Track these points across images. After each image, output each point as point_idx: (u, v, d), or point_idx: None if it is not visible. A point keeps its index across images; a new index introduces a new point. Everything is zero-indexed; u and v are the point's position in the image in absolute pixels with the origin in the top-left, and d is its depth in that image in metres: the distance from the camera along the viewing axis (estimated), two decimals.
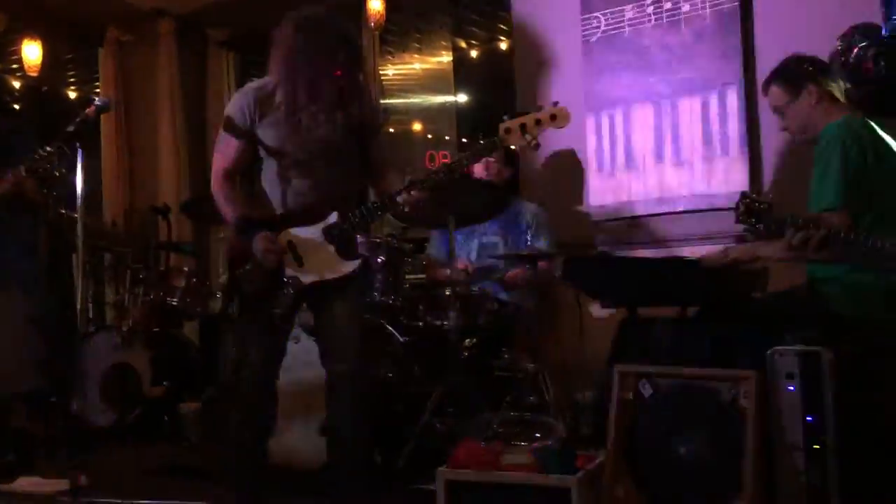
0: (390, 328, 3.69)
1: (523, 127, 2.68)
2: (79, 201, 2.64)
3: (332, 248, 2.79)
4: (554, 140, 4.25)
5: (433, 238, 4.35)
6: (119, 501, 3.06)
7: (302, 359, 3.37)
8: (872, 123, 2.93)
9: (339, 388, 2.88)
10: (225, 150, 2.89)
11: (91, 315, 5.37)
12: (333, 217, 2.78)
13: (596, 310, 3.88)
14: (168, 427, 4.47)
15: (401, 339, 3.68)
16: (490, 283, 3.98)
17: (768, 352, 2.61)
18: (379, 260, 3.68)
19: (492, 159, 4.10)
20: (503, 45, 6.36)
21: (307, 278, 2.80)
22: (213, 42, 6.53)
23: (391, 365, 3.66)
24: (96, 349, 4.73)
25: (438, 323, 3.74)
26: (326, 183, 2.84)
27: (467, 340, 3.71)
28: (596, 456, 2.78)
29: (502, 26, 6.63)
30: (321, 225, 2.79)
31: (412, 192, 2.72)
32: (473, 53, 6.86)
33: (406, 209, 2.74)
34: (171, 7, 6.24)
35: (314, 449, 3.33)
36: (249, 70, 6.92)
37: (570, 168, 4.49)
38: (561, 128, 2.71)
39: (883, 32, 3.23)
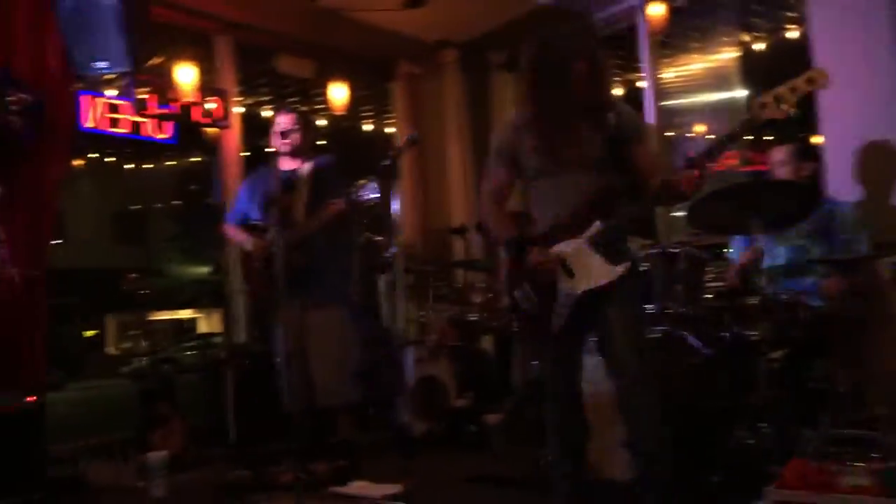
0: (692, 340, 3.59)
1: (778, 98, 2.60)
2: (397, 228, 2.85)
3: (599, 256, 2.83)
4: (867, 129, 3.90)
5: (734, 244, 4.16)
6: None
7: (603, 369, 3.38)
8: None
9: (625, 400, 2.88)
10: (492, 177, 3.08)
11: (397, 331, 5.75)
12: (597, 226, 2.82)
13: None
14: (474, 437, 4.66)
15: (704, 352, 3.56)
16: (802, 290, 3.72)
17: None
18: (678, 269, 3.58)
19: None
20: (792, 34, 5.99)
21: (579, 288, 2.85)
22: (494, 66, 6.78)
23: (695, 378, 3.55)
24: (405, 363, 5.07)
25: (745, 333, 3.56)
26: (588, 196, 2.87)
27: (777, 351, 3.50)
28: None
29: (790, 14, 6.24)
30: (586, 235, 2.84)
31: (685, 172, 2.66)
32: (759, 46, 6.54)
33: (682, 190, 2.67)
34: (455, 37, 6.57)
35: (622, 461, 3.32)
36: None
37: (885, 160, 4.08)
38: (820, 88, 2.61)
39: None
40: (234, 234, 4.49)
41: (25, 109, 4.04)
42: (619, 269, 2.82)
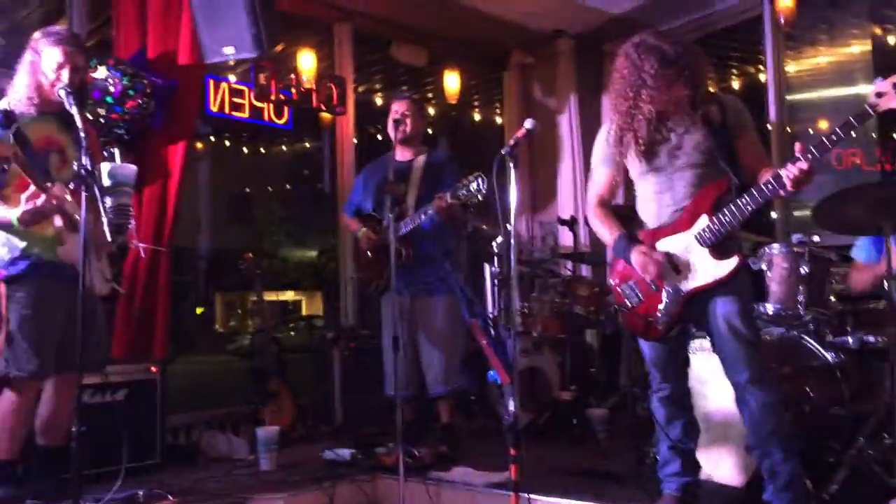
0: (814, 344, 3.45)
1: None
2: (512, 220, 2.85)
3: (706, 253, 2.79)
4: None
5: (859, 245, 3.97)
6: (552, 499, 3.25)
7: (717, 367, 3.29)
8: None
9: (743, 400, 2.83)
10: (597, 180, 3.10)
11: (503, 321, 5.75)
12: (704, 221, 2.79)
13: None
14: (577, 430, 4.62)
15: (827, 357, 3.42)
16: None
17: None
18: (803, 270, 3.44)
19: None
20: None
21: (686, 286, 2.83)
22: (609, 55, 6.67)
23: (815, 384, 3.42)
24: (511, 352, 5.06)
25: (871, 339, 3.40)
26: (694, 192, 2.85)
27: None
28: None
29: None
30: (692, 232, 2.81)
31: (798, 165, 2.56)
32: (893, 39, 6.23)
33: (790, 187, 2.57)
34: (571, 27, 6.50)
35: (736, 465, 3.24)
36: None
37: None
38: None
39: None
40: (348, 223, 4.62)
41: (157, 92, 4.23)
42: (728, 267, 2.78)
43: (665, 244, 2.88)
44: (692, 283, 2.82)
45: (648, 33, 2.87)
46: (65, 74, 3.15)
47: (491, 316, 5.04)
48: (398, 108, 4.38)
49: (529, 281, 5.58)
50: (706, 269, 2.79)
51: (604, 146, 3.06)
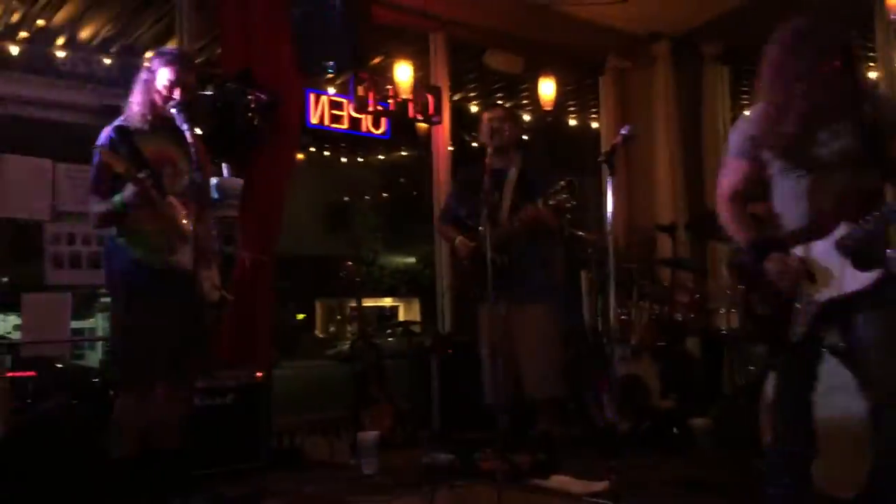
0: None
1: None
2: (608, 227, 2.83)
3: (847, 262, 2.61)
4: None
5: None
6: None
7: (825, 381, 3.18)
8: None
9: (881, 420, 2.65)
10: (731, 173, 2.90)
11: (600, 328, 5.70)
12: (846, 227, 2.61)
13: None
14: (678, 439, 4.53)
15: None
16: None
17: None
18: None
19: None
20: None
21: (822, 296, 2.65)
22: (707, 58, 6.54)
23: None
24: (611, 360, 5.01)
25: None
26: (841, 194, 2.66)
27: None
28: None
29: None
30: (834, 239, 2.64)
31: None
32: None
33: None
34: (668, 29, 6.40)
35: (846, 476, 3.12)
36: (742, 82, 6.80)
37: None
38: None
39: None
40: (444, 231, 4.66)
41: (262, 108, 4.39)
42: (870, 277, 2.60)
43: (803, 250, 2.72)
44: (829, 293, 2.66)
45: (803, 20, 2.71)
46: (176, 92, 3.31)
47: (589, 323, 5.00)
48: (493, 116, 4.40)
49: (627, 288, 5.50)
50: (845, 279, 2.63)
51: (740, 139, 2.88)
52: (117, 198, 3.17)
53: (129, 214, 3.20)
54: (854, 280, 2.62)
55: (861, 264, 2.62)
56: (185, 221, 3.24)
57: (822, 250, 2.67)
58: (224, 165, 3.84)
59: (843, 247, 2.63)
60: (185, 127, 3.13)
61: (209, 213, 2.98)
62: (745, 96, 7.00)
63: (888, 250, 2.78)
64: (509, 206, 4.27)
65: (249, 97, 4.35)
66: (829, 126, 2.67)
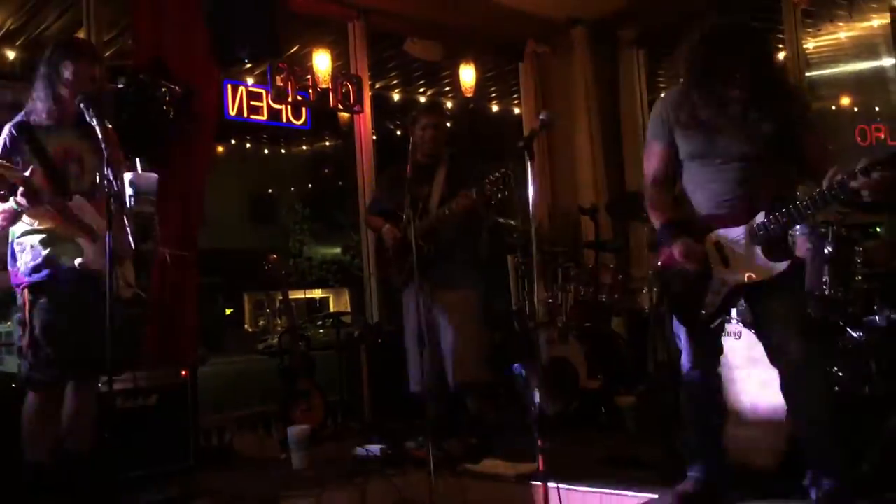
0: (842, 324, 3.43)
1: None
2: (531, 214, 2.86)
3: (759, 250, 2.75)
4: None
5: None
6: (582, 488, 3.29)
7: (744, 354, 3.29)
8: None
9: (788, 383, 2.80)
10: (651, 157, 3.00)
11: (527, 312, 5.75)
12: (760, 217, 2.73)
13: None
14: (605, 418, 4.62)
15: (854, 336, 3.39)
16: None
17: None
18: (828, 251, 3.42)
19: None
20: None
21: (733, 279, 2.80)
22: (623, 42, 6.64)
23: (844, 364, 3.39)
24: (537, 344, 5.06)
25: None
26: (752, 184, 2.78)
27: None
28: None
29: None
30: (748, 226, 2.76)
31: (872, 176, 2.48)
32: None
33: (867, 196, 2.50)
34: (585, 14, 6.46)
35: (770, 448, 3.23)
36: (659, 64, 6.93)
37: None
38: None
39: None
40: (372, 220, 4.64)
41: (176, 100, 4.28)
42: (780, 267, 2.73)
43: (717, 234, 2.82)
44: (739, 278, 2.79)
45: (711, 15, 2.81)
46: (82, 85, 3.18)
47: (515, 308, 5.04)
48: (427, 121, 4.35)
49: (552, 272, 5.57)
50: (757, 266, 2.75)
51: (657, 122, 2.96)
52: (10, 202, 3.04)
53: (28, 212, 3.08)
54: (763, 269, 2.75)
55: (771, 254, 2.74)
56: (91, 219, 3.13)
57: (737, 236, 2.78)
58: (137, 160, 3.72)
59: (755, 236, 2.75)
60: (94, 122, 3.01)
61: (121, 210, 2.87)
62: (661, 79, 7.15)
63: (795, 241, 2.93)
64: (439, 196, 4.27)
65: (163, 89, 4.24)
66: (742, 114, 2.74)
